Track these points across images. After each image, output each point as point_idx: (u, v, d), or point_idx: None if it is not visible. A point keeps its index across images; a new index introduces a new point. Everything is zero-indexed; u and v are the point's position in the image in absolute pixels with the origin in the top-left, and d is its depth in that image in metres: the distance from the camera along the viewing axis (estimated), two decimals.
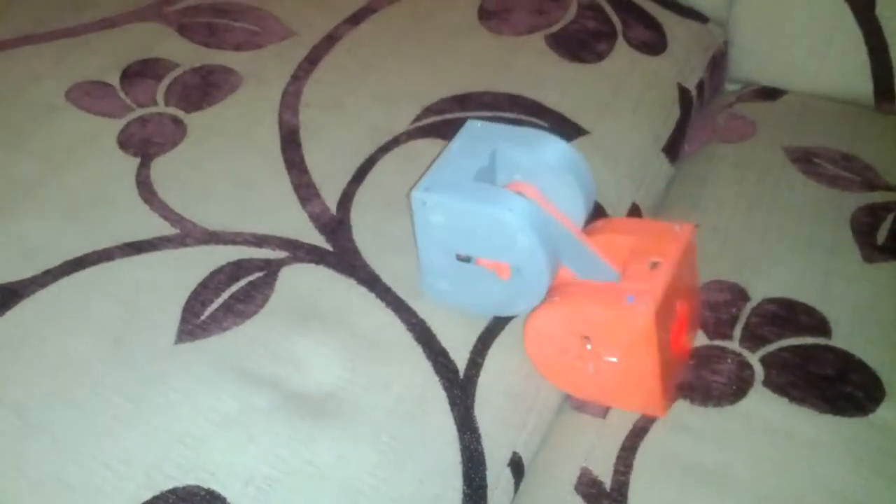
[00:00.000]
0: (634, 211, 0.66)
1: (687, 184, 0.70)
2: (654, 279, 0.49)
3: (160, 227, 0.57)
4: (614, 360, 0.50)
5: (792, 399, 0.52)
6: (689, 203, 0.68)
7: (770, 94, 0.79)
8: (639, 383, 0.51)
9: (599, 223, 0.56)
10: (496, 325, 0.55)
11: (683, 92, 0.75)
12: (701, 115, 0.78)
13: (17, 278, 0.54)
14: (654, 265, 0.50)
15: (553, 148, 0.53)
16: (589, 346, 0.50)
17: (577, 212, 0.54)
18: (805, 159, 0.69)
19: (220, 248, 0.56)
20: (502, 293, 0.52)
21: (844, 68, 0.77)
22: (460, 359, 0.53)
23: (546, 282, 0.51)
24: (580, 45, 0.74)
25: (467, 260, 0.51)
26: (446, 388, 0.51)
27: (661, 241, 0.52)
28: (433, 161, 0.52)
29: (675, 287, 0.50)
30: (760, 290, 0.59)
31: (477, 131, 0.54)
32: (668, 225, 0.53)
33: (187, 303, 0.53)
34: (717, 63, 0.81)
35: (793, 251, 0.62)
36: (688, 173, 0.72)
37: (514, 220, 0.48)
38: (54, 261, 0.55)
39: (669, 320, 0.50)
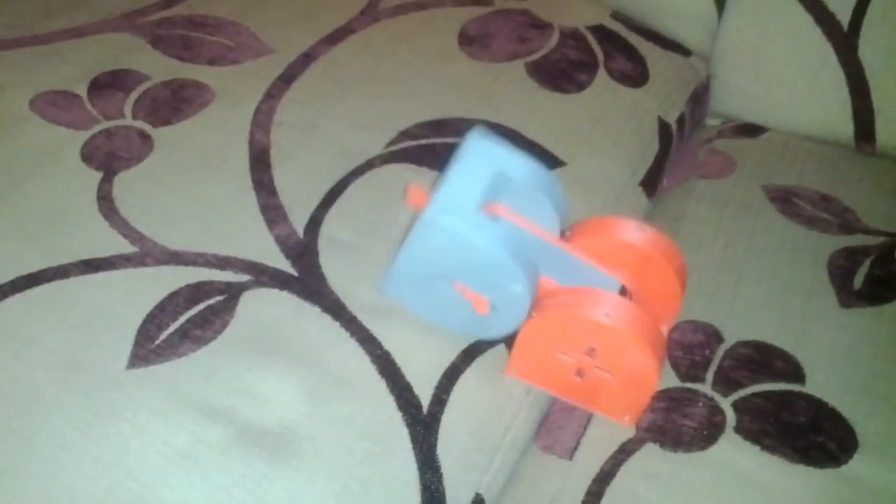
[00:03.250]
0: None
1: (664, 220, 0.69)
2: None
3: (119, 245, 0.55)
4: (608, 376, 0.51)
5: (763, 447, 0.51)
6: None
7: (751, 130, 0.79)
8: (623, 399, 0.52)
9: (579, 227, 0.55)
10: (462, 361, 0.53)
11: (664, 125, 0.74)
12: (680, 150, 0.78)
13: None
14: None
15: (524, 167, 0.53)
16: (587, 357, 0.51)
17: (552, 228, 0.53)
18: (784, 199, 0.69)
19: (181, 268, 0.55)
20: (468, 319, 0.52)
21: (826, 108, 0.76)
22: (424, 394, 0.51)
23: (514, 326, 0.51)
24: (561, 74, 0.73)
25: (448, 281, 0.51)
26: (409, 425, 0.49)
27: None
28: (442, 177, 0.51)
29: None
30: (735, 332, 0.57)
31: (483, 149, 0.52)
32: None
33: (142, 326, 0.51)
34: (699, 97, 0.80)
35: (769, 293, 0.60)
36: (665, 209, 0.71)
37: (517, 271, 0.49)
38: (6, 276, 0.53)
39: None
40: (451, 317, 0.53)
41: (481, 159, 0.51)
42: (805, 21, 0.75)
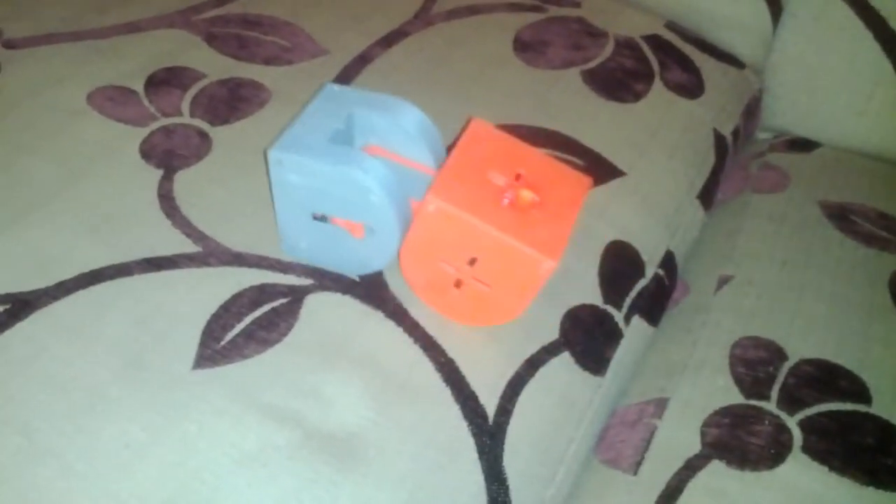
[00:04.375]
0: (669, 258, 0.64)
1: (720, 233, 0.69)
2: (559, 235, 0.49)
3: (182, 244, 0.55)
4: (486, 289, 0.50)
5: (832, 468, 0.50)
6: (722, 254, 0.66)
7: (803, 145, 0.78)
8: (500, 309, 0.52)
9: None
10: (526, 371, 0.53)
11: (719, 138, 0.73)
12: (733, 163, 0.77)
13: (30, 288, 0.52)
14: (558, 216, 0.50)
15: (408, 114, 0.54)
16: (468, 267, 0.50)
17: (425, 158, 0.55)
18: (841, 216, 0.68)
19: (244, 270, 0.54)
20: (358, 252, 0.53)
21: (882, 125, 0.75)
22: (490, 404, 0.50)
23: (397, 240, 0.52)
24: (617, 83, 0.73)
25: (323, 219, 0.52)
26: (475, 435, 0.49)
27: (565, 189, 0.52)
28: (290, 122, 0.52)
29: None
30: (798, 350, 0.57)
31: (335, 95, 0.55)
32: (567, 169, 0.53)
33: (207, 326, 0.51)
34: (752, 111, 0.79)
35: (830, 312, 0.60)
36: (721, 222, 0.70)
37: (366, 180, 0.49)
38: (70, 272, 0.53)
39: None
40: (345, 256, 0.54)
41: (329, 103, 0.54)
42: (864, 37, 0.75)
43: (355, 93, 0.56)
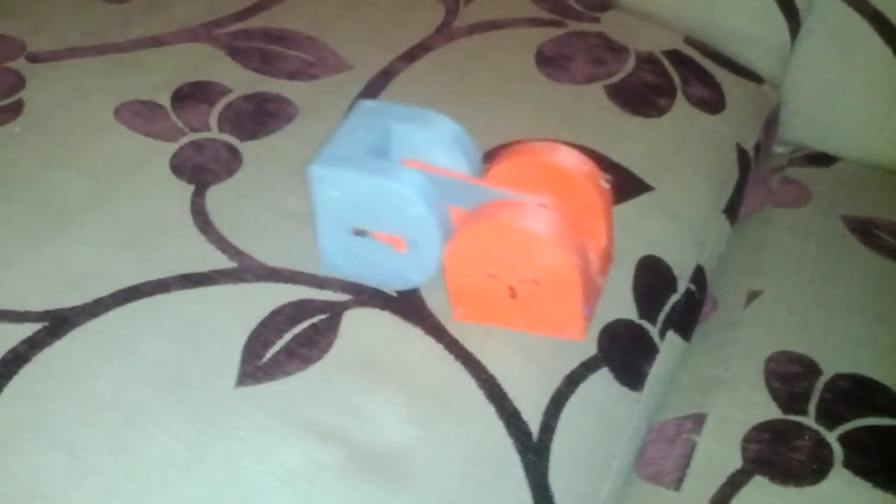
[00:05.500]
0: (699, 273, 0.64)
1: (745, 248, 0.69)
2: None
3: (217, 260, 0.55)
4: (536, 286, 0.51)
5: (875, 484, 0.50)
6: (749, 268, 0.66)
7: (822, 159, 0.79)
8: (561, 310, 0.52)
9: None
10: (567, 388, 0.52)
11: (742, 153, 0.74)
12: (753, 177, 0.77)
13: (68, 305, 0.51)
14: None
15: (443, 126, 0.55)
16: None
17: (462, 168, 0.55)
18: (864, 230, 0.68)
19: (281, 286, 0.54)
20: (398, 266, 0.53)
21: None
22: (533, 421, 0.50)
23: (438, 254, 0.52)
24: (641, 98, 0.73)
25: (363, 234, 0.53)
26: (520, 452, 0.49)
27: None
28: (325, 139, 0.53)
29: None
30: (832, 364, 0.57)
31: (369, 110, 0.56)
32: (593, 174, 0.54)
33: (248, 343, 0.50)
34: (771, 125, 0.80)
35: (861, 326, 0.60)
36: (745, 237, 0.70)
37: (406, 191, 0.50)
38: (106, 289, 0.52)
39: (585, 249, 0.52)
40: (385, 270, 0.54)
41: (365, 119, 0.55)
42: (882, 52, 0.75)
43: (389, 107, 0.57)
